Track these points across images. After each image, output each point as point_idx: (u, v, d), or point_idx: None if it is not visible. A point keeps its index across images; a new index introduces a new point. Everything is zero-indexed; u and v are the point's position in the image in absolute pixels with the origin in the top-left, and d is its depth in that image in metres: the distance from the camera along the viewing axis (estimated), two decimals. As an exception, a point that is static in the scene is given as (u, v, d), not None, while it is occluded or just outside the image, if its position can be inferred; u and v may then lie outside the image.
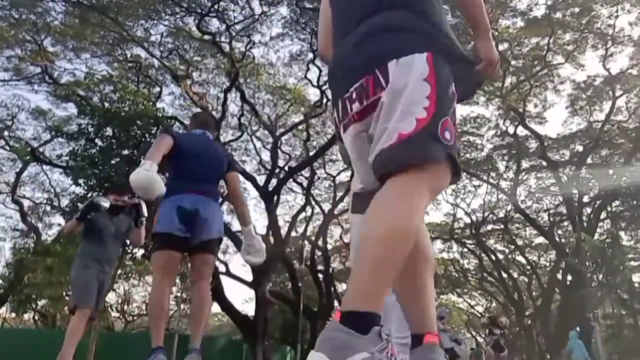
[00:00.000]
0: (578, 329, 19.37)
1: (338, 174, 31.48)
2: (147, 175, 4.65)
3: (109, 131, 18.65)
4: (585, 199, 31.31)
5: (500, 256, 38.25)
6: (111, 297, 34.96)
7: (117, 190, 7.96)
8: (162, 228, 5.14)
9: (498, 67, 2.60)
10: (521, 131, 28.98)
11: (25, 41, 23.34)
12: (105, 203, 7.27)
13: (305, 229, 33.16)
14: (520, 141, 29.15)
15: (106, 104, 19.58)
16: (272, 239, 25.42)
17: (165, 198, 5.29)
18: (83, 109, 19.27)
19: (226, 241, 30.63)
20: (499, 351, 17.37)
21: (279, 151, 26.99)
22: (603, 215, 31.61)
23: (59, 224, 30.68)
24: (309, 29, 23.19)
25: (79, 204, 17.39)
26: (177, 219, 5.10)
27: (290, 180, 28.16)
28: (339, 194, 31.07)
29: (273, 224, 25.24)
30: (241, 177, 26.76)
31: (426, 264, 2.42)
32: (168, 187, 5.30)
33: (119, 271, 27.63)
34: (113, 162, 17.73)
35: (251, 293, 28.55)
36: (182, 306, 29.51)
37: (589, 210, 31.90)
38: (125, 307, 40.19)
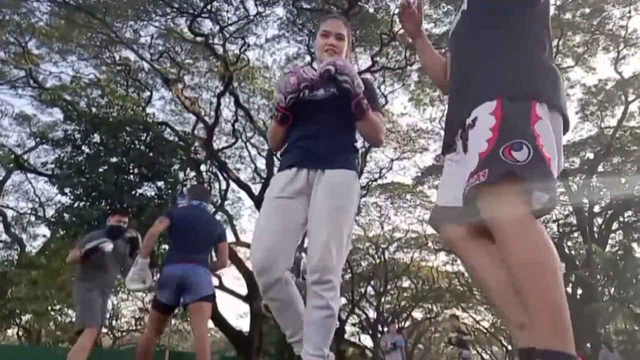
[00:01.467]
0: None
1: (336, 182, 31.51)
2: (139, 280, 6.55)
3: (96, 138, 18.66)
4: (596, 208, 31.30)
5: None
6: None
7: (119, 212, 8.68)
8: (157, 294, 6.72)
9: None
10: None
11: (9, 43, 23.30)
12: (109, 247, 7.84)
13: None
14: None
15: (93, 109, 19.59)
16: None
17: (164, 265, 6.89)
18: (69, 114, 19.29)
19: (219, 253, 30.62)
20: None
21: (275, 158, 26.97)
22: (615, 225, 31.55)
23: (44, 235, 30.69)
24: (306, 30, 23.22)
25: (64, 214, 17.39)
26: (167, 289, 6.63)
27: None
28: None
29: (269, 235, 25.18)
30: (235, 186, 26.83)
31: None
32: (166, 255, 7.05)
33: (110, 284, 27.61)
34: (101, 170, 17.71)
35: (246, 307, 28.54)
36: (172, 321, 29.48)
37: (600, 220, 31.86)
38: (114, 322, 40.12)
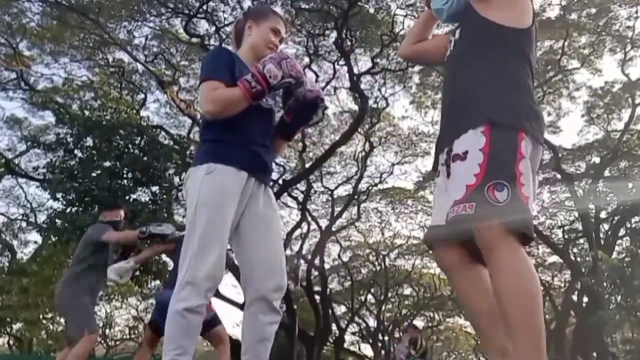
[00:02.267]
0: None
1: (336, 187, 31.47)
2: (118, 275, 7.39)
3: (89, 141, 18.61)
4: (603, 214, 31.20)
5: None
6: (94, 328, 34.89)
7: (118, 206, 8.71)
8: (153, 314, 7.72)
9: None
10: (534, 141, 28.73)
11: (-1, 44, 23.30)
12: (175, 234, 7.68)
13: (301, 247, 33.05)
14: (532, 152, 28.89)
15: (86, 112, 19.52)
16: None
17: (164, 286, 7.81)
18: (61, 117, 19.23)
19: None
20: None
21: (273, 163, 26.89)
22: (622, 232, 31.42)
23: (35, 242, 30.68)
24: (305, 31, 23.18)
25: (56, 220, 17.35)
26: (156, 310, 7.47)
27: (285, 194, 28.10)
28: (337, 209, 31.02)
29: (266, 242, 25.10)
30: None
31: None
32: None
33: (100, 292, 27.47)
34: (94, 174, 17.66)
35: (242, 316, 28.44)
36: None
37: (606, 226, 31.78)
38: (107, 331, 40.12)
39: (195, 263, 3.43)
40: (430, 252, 3.56)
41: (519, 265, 2.79)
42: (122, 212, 8.42)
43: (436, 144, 3.58)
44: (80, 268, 7.75)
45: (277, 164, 27.96)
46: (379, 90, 25.71)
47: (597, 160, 29.77)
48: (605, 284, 24.26)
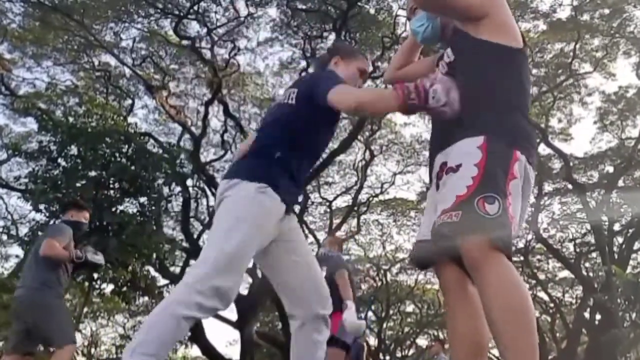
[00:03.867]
0: None
1: (335, 198, 31.38)
2: None
3: (73, 150, 18.56)
4: (617, 226, 31.13)
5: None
6: (77, 339, 34.72)
7: (85, 208, 8.40)
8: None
9: None
10: (543, 149, 28.56)
11: (-22, 47, 23.24)
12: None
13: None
14: (542, 161, 28.71)
15: (71, 119, 19.49)
16: (260, 272, 25.28)
17: None
18: (44, 124, 19.19)
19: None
20: None
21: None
22: (636, 245, 31.37)
23: (17, 256, 30.52)
24: (301, 32, 23.16)
25: (39, 233, 17.27)
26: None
27: (281, 205, 27.98)
28: (336, 221, 30.93)
29: (261, 255, 25.00)
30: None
31: None
32: None
33: (85, 309, 27.35)
34: (78, 184, 17.62)
35: (236, 334, 28.39)
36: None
37: (620, 239, 31.68)
38: (93, 350, 40.01)
39: (217, 274, 3.32)
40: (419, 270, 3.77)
41: (508, 281, 2.92)
42: (87, 215, 8.18)
43: (429, 158, 3.66)
44: (53, 269, 7.42)
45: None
46: (380, 95, 25.61)
47: (610, 169, 29.72)
48: (619, 300, 24.25)
